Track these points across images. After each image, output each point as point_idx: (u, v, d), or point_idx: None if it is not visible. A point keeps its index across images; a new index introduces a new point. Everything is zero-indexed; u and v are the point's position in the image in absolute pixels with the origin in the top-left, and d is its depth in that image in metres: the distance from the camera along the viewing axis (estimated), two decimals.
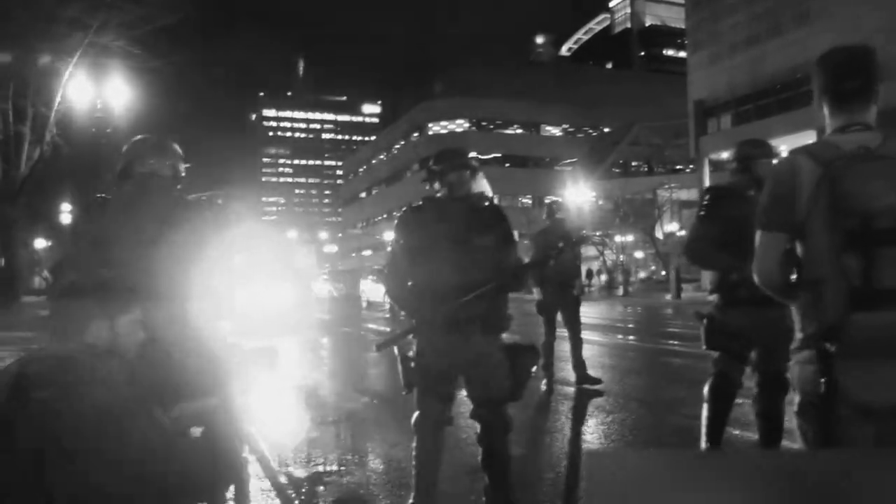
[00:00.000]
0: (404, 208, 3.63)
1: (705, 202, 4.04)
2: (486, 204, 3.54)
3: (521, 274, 3.47)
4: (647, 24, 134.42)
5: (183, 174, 3.07)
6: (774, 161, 3.94)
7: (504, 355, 3.41)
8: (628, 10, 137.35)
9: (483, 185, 3.56)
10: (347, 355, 13.01)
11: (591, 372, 7.99)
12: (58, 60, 17.51)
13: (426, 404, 3.41)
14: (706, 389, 4.15)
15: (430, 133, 63.06)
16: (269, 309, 17.35)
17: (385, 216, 67.90)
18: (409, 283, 3.42)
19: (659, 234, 40.60)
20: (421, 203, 3.54)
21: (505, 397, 3.41)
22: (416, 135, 66.85)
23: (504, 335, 3.48)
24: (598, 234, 38.37)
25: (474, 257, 3.25)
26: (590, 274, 38.57)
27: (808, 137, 27.51)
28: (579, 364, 7.73)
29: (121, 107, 18.30)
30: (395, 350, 3.47)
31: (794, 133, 27.87)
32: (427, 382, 3.40)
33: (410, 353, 3.43)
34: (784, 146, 29.65)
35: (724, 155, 33.51)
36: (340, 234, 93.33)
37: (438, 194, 3.49)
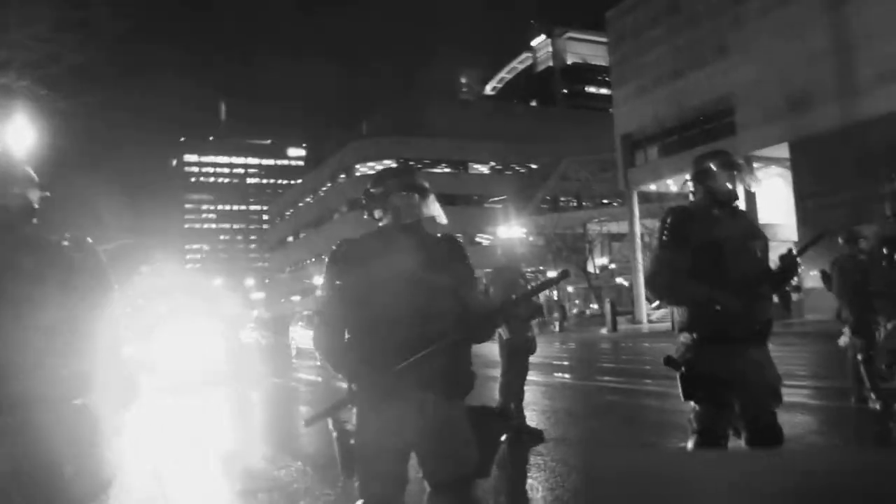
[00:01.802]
0: (339, 241, 2.88)
1: (667, 226, 3.42)
2: (441, 234, 2.90)
3: (490, 320, 2.81)
4: (568, 63, 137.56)
5: (36, 205, 2.37)
6: (735, 172, 3.46)
7: (468, 423, 2.74)
8: (550, 49, 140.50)
9: (435, 210, 2.92)
10: (277, 411, 12.17)
11: (530, 417, 7.54)
12: None
13: (371, 492, 2.68)
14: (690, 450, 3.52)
15: (358, 174, 62.48)
16: (195, 360, 16.49)
17: (313, 260, 66.78)
18: (346, 336, 2.74)
19: (591, 268, 40.85)
20: (360, 236, 2.88)
21: (470, 475, 2.73)
22: (343, 176, 66.23)
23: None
24: (530, 269, 38.31)
25: (429, 300, 2.64)
26: (559, 308, 38.35)
27: None
28: (519, 413, 7.24)
29: (24, 149, 17.12)
30: (329, 424, 2.76)
31: None
32: (372, 465, 2.67)
33: (349, 427, 2.73)
34: None
35: (653, 187, 34.04)
36: (268, 280, 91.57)
37: (381, 223, 2.85)
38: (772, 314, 3.42)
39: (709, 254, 3.28)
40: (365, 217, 2.94)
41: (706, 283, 3.24)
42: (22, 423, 2.03)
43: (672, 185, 33.19)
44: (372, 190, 2.89)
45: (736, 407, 3.35)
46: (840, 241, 7.62)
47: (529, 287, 7.16)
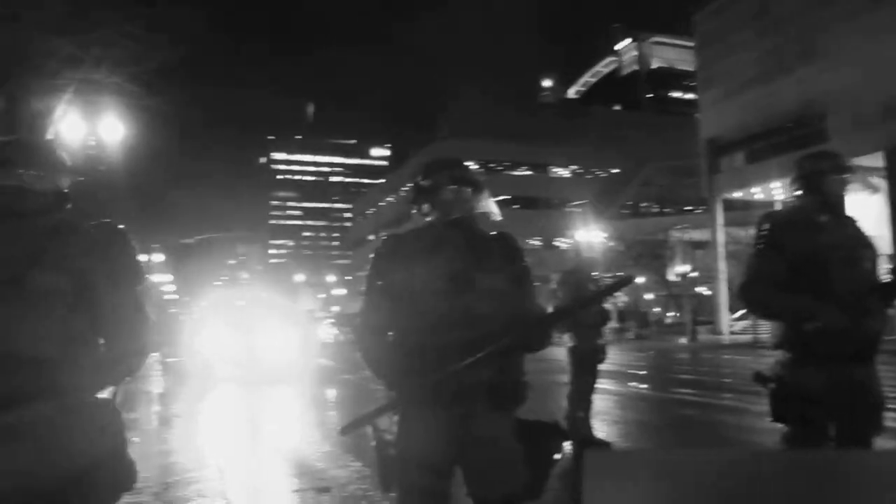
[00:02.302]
0: (384, 237, 2.74)
1: (764, 232, 3.15)
2: (495, 232, 2.68)
3: (544, 326, 2.60)
4: (654, 67, 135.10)
5: (66, 191, 2.26)
6: (847, 175, 3.19)
7: (519, 438, 2.53)
8: (635, 53, 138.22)
9: (489, 206, 2.72)
10: (345, 409, 12.20)
11: (599, 428, 7.28)
12: (50, 98, 17.03)
13: None
14: None
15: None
16: (269, 354, 16.77)
17: None
18: (390, 339, 2.55)
19: (671, 276, 39.87)
20: (407, 231, 2.69)
21: (519, 495, 2.49)
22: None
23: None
24: (608, 275, 37.68)
25: (479, 303, 2.43)
26: (622, 317, 37.53)
27: None
28: (586, 423, 6.99)
29: (115, 144, 17.77)
30: (370, 433, 2.61)
31: None
32: (412, 479, 2.47)
33: (389, 437, 2.56)
34: None
35: (737, 194, 32.91)
36: (349, 277, 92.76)
37: (429, 218, 2.66)
38: (882, 330, 3.13)
39: (812, 264, 3.02)
40: (413, 212, 2.77)
41: (807, 296, 2.98)
42: (32, 423, 1.88)
43: (758, 192, 32.00)
44: (421, 182, 2.71)
45: (830, 432, 3.06)
46: None
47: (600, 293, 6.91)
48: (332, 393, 14.37)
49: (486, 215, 2.71)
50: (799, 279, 2.99)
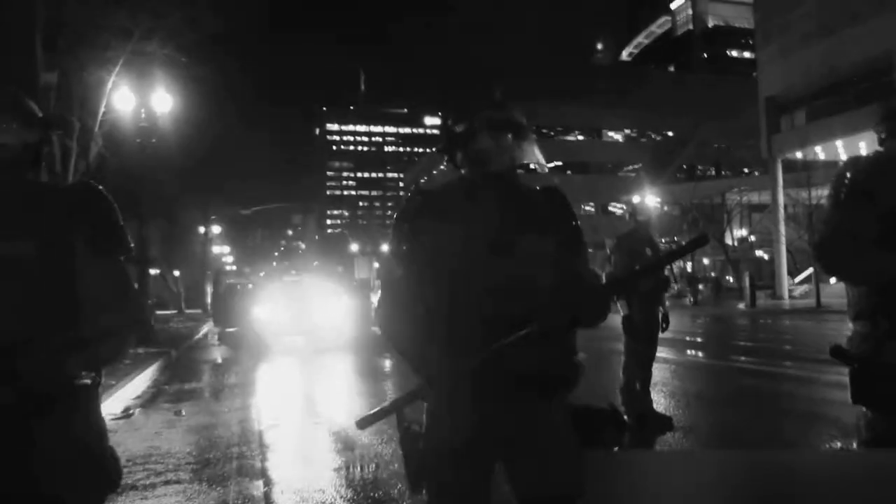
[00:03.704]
0: (412, 191, 2.33)
1: (846, 181, 2.63)
2: (541, 186, 2.27)
3: (601, 297, 2.15)
4: (709, 25, 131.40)
5: (36, 146, 2.02)
6: None
7: (572, 428, 2.16)
8: (690, 12, 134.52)
9: (534, 155, 2.28)
10: (397, 381, 12.14)
11: (657, 401, 6.97)
12: (102, 70, 17.21)
13: None
14: None
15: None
16: (324, 324, 16.90)
17: None
18: (416, 314, 2.16)
19: (728, 240, 38.93)
20: (439, 186, 2.29)
21: (573, 493, 2.11)
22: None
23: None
24: (664, 240, 36.96)
25: (524, 270, 2.07)
26: (692, 280, 36.67)
27: None
28: (645, 396, 6.67)
29: (166, 116, 17.93)
30: (395, 424, 2.23)
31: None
32: (445, 478, 2.12)
33: (416, 429, 2.19)
34: (865, 142, 27.91)
35: (799, 154, 31.77)
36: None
37: (464, 170, 2.25)
38: None
39: None
40: (445, 164, 2.39)
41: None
42: None
43: (820, 151, 30.78)
44: (454, 127, 2.26)
45: None
46: None
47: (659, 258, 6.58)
48: (386, 363, 14.35)
49: (532, 166, 2.30)
50: (888, 236, 2.49)
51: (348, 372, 12.90)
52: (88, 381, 1.90)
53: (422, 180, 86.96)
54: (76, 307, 1.88)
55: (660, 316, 6.60)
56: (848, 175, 2.62)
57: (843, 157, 30.91)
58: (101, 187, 2.01)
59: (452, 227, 2.11)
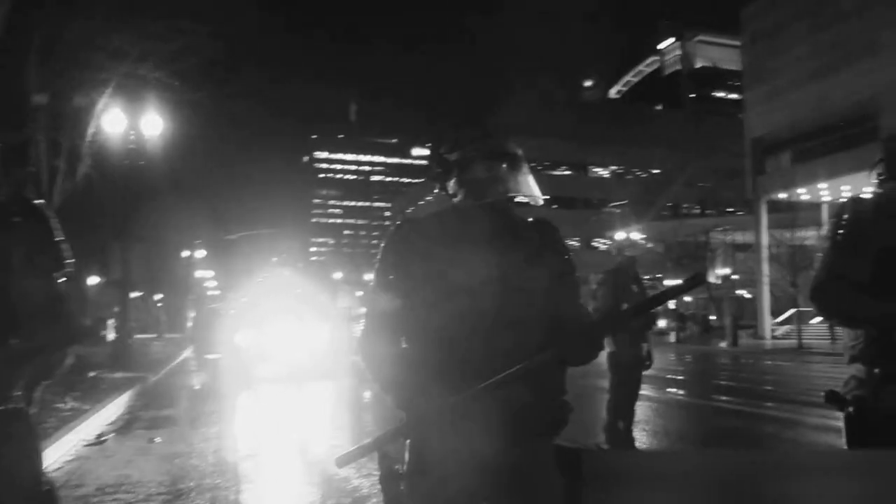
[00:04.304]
0: (400, 220, 2.25)
1: (844, 222, 2.60)
2: (534, 219, 2.21)
3: (594, 334, 2.04)
4: (697, 66, 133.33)
5: None
6: None
7: (560, 469, 2.08)
8: (678, 53, 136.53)
9: (528, 187, 2.16)
10: (377, 412, 11.98)
11: (640, 439, 6.91)
12: (94, 91, 17.16)
13: None
14: None
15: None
16: (305, 352, 16.72)
17: None
18: (402, 348, 2.11)
19: (712, 278, 39.09)
20: (428, 215, 2.21)
21: None
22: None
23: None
24: (647, 277, 37.11)
25: (514, 305, 2.00)
26: (681, 318, 36.64)
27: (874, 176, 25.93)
28: (628, 435, 6.61)
29: (156, 139, 17.88)
30: (377, 461, 2.30)
31: (861, 171, 26.35)
32: None
33: (398, 468, 2.17)
34: (849, 185, 28.23)
35: (783, 195, 32.08)
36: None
37: (455, 199, 2.17)
38: None
39: None
40: (435, 191, 2.28)
41: (894, 299, 2.46)
42: None
43: (804, 193, 31.13)
44: (446, 155, 2.18)
45: None
46: None
47: (646, 294, 6.57)
48: (367, 393, 14.19)
49: (527, 198, 2.16)
50: (885, 280, 2.48)
51: (328, 402, 12.72)
52: (19, 405, 1.80)
53: (408, 210, 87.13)
54: (9, 323, 1.79)
55: (644, 353, 6.56)
56: (845, 217, 2.59)
57: (827, 199, 31.35)
58: (38, 202, 1.95)
59: (442, 258, 2.04)
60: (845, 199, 2.74)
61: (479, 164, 2.10)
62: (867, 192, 2.89)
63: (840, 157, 27.25)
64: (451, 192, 2.16)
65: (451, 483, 1.99)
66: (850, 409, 2.55)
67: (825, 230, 2.71)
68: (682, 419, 10.12)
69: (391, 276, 2.10)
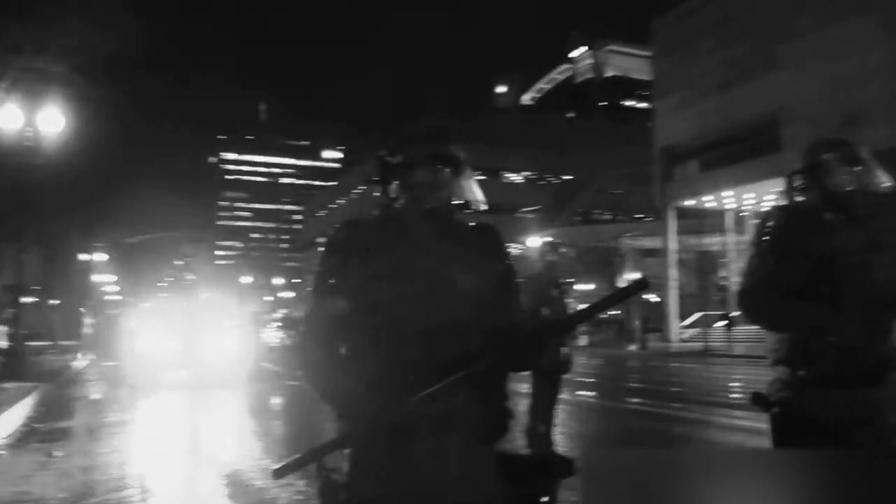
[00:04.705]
0: (340, 223, 2.19)
1: (768, 230, 2.72)
2: (477, 224, 2.19)
3: (537, 340, 2.01)
4: (608, 75, 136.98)
5: None
6: (858, 168, 2.75)
7: (503, 477, 2.06)
8: (590, 61, 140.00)
9: (472, 192, 2.17)
10: (288, 418, 11.67)
11: (557, 442, 6.90)
12: None
13: None
14: None
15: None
16: (212, 358, 16.25)
17: None
18: (341, 355, 2.05)
19: (621, 283, 40.11)
20: (369, 218, 2.17)
21: None
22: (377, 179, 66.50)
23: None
24: (562, 281, 37.75)
25: (457, 311, 1.99)
26: (597, 322, 37.18)
27: (777, 185, 27.21)
28: (548, 440, 6.58)
29: (55, 136, 16.93)
30: (315, 472, 2.06)
31: (763, 180, 27.61)
32: None
33: (338, 479, 2.04)
34: (752, 193, 29.43)
35: (690, 202, 33.22)
36: (297, 280, 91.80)
37: (398, 203, 2.13)
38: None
39: (818, 268, 2.60)
40: (377, 195, 2.20)
41: (821, 306, 2.57)
42: None
43: (710, 200, 32.36)
44: (389, 159, 2.16)
45: None
46: None
47: (565, 299, 6.56)
48: (276, 400, 13.81)
49: (470, 203, 2.15)
50: (808, 286, 2.58)
51: (238, 409, 12.33)
52: None
53: (319, 213, 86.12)
54: None
55: (564, 357, 6.55)
56: (771, 224, 2.70)
57: (731, 206, 32.67)
58: None
59: (383, 262, 2.01)
60: (770, 208, 2.86)
61: (423, 169, 2.09)
62: (784, 200, 2.94)
63: (743, 167, 28.49)
64: (392, 195, 2.13)
65: (391, 492, 1.95)
66: (776, 410, 2.64)
67: (751, 238, 2.80)
68: (596, 422, 10.24)
69: (331, 281, 2.06)
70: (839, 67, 24.27)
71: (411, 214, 2.09)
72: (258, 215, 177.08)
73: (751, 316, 2.74)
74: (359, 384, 1.96)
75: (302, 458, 1.95)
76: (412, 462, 1.94)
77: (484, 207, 2.18)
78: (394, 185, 2.12)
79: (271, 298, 78.43)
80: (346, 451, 2.00)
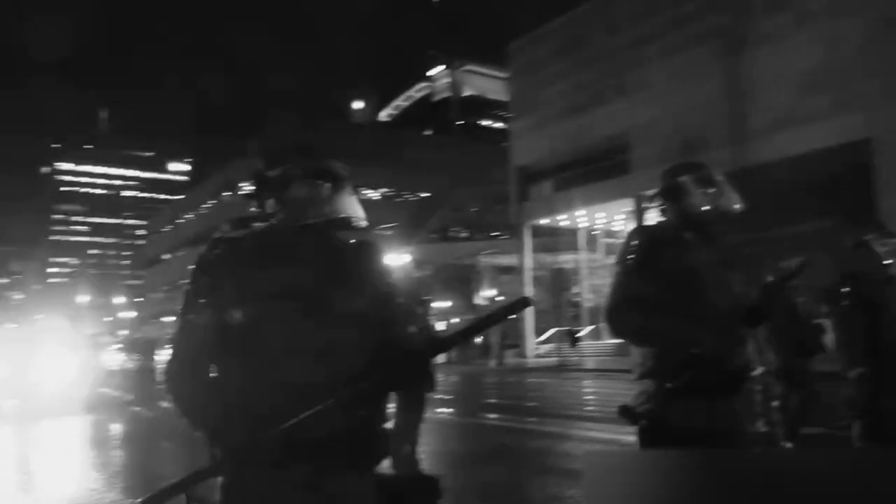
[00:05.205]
0: (212, 240, 2.12)
1: (633, 248, 2.86)
2: (357, 240, 2.11)
3: (419, 360, 1.97)
4: (466, 94, 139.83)
5: None
6: (712, 190, 2.93)
7: (383, 500, 2.02)
8: (448, 80, 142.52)
9: (352, 208, 2.12)
10: (132, 448, 10.82)
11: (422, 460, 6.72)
12: None
13: None
14: None
15: (244, 192, 60.92)
16: (47, 384, 15.08)
17: None
18: (213, 378, 1.96)
19: (478, 300, 40.78)
20: (243, 234, 2.06)
21: None
22: (227, 193, 64.50)
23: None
24: (422, 299, 37.93)
25: (335, 330, 1.92)
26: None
27: (627, 205, 28.64)
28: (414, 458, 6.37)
29: None
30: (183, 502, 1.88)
31: (614, 200, 28.91)
32: None
33: None
34: (603, 213, 30.76)
35: (545, 221, 34.27)
36: (140, 299, 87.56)
37: (275, 219, 2.05)
38: (750, 358, 3.07)
39: (679, 285, 2.76)
40: (252, 209, 2.10)
41: (684, 320, 2.72)
42: None
43: (564, 219, 33.55)
44: (266, 173, 2.07)
45: None
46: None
47: (428, 317, 6.38)
48: (118, 428, 12.85)
49: (350, 219, 2.09)
50: (670, 301, 2.74)
51: (76, 440, 11.33)
52: None
53: (164, 229, 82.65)
54: None
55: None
56: (635, 243, 2.87)
57: (584, 225, 34.02)
58: None
59: (258, 280, 1.93)
60: (633, 228, 3.04)
61: (301, 184, 2.05)
62: (650, 220, 3.17)
63: (595, 187, 29.68)
64: (269, 211, 2.07)
65: None
66: (643, 422, 2.78)
67: (616, 257, 2.93)
68: (458, 438, 10.20)
69: (202, 300, 1.98)
70: (683, 94, 25.70)
71: (289, 230, 2.04)
72: (97, 230, 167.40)
73: (618, 331, 2.86)
74: (231, 409, 1.87)
75: (170, 488, 1.77)
76: (287, 490, 1.86)
77: (364, 224, 2.14)
78: (271, 201, 2.06)
79: (111, 319, 74.32)
80: (218, 479, 1.90)
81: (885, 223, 4.44)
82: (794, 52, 22.11)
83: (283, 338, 1.88)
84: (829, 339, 4.80)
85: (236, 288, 1.93)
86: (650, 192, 3.14)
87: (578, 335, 30.09)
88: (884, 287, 4.06)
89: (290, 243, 2.01)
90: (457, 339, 2.35)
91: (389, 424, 2.09)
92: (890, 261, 4.10)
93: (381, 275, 2.08)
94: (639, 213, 26.36)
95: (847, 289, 4.12)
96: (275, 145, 2.20)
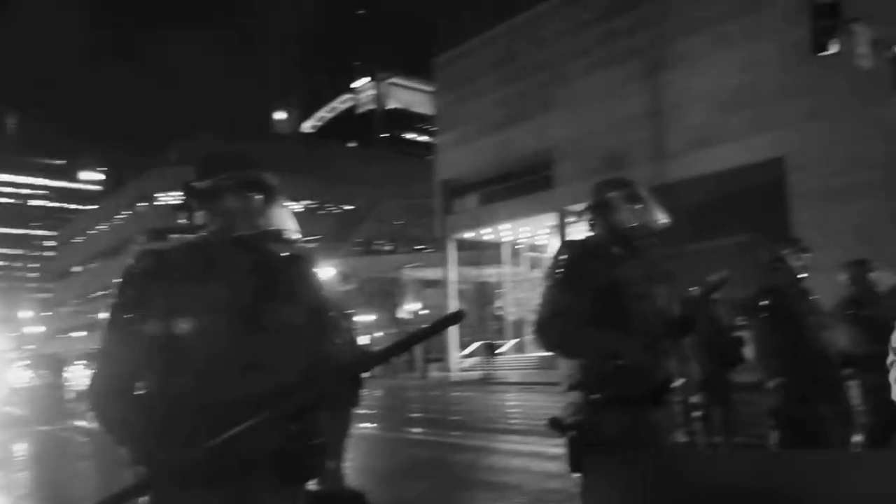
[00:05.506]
0: (140, 253, 2.05)
1: (562, 263, 2.90)
2: (290, 253, 2.09)
3: (350, 375, 1.98)
4: (390, 107, 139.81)
5: None
6: (639, 206, 3.00)
7: None
8: (372, 93, 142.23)
9: (284, 220, 2.12)
10: (39, 470, 10.27)
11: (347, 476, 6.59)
12: None
13: None
14: None
15: (160, 203, 59.49)
16: None
17: (104, 292, 62.21)
18: (140, 394, 1.92)
19: (402, 314, 40.67)
20: (173, 247, 2.04)
21: None
22: (143, 204, 62.86)
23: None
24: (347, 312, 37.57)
25: (266, 345, 1.92)
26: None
27: (550, 219, 29.02)
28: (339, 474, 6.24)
29: None
30: None
31: (538, 214, 29.22)
32: None
33: None
34: (527, 227, 31.02)
35: (469, 234, 34.42)
36: (48, 313, 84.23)
37: (205, 231, 2.05)
38: (673, 370, 3.07)
39: (608, 299, 2.82)
40: (182, 221, 2.07)
41: (612, 332, 2.77)
42: None
43: (488, 233, 33.75)
44: (196, 184, 2.06)
45: None
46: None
47: (353, 331, 6.27)
48: (22, 448, 12.21)
49: (281, 232, 2.10)
50: (599, 314, 2.79)
51: None
52: None
53: (76, 240, 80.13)
54: None
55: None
56: (563, 258, 2.91)
57: (507, 239, 34.29)
58: None
59: (187, 294, 1.91)
60: (563, 243, 3.08)
61: (232, 195, 2.04)
62: (580, 235, 3.21)
63: (519, 202, 29.97)
64: (199, 223, 2.06)
65: None
66: (572, 433, 2.81)
67: (546, 271, 2.97)
68: (381, 454, 10.06)
69: (128, 315, 1.94)
70: (606, 111, 26.19)
71: (220, 243, 2.02)
72: (2, 240, 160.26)
73: (548, 344, 2.88)
74: (157, 426, 1.85)
75: None
76: None
77: (297, 236, 2.14)
78: (201, 213, 2.05)
79: (17, 334, 71.12)
80: (143, 499, 1.86)
81: (799, 238, 4.58)
82: (711, 74, 22.86)
83: (214, 352, 1.86)
84: (748, 350, 4.93)
85: (166, 301, 1.90)
86: (579, 207, 3.21)
87: (498, 350, 30.28)
88: (799, 300, 4.20)
89: (221, 256, 1.98)
90: (391, 353, 2.31)
91: (321, 440, 2.03)
92: (804, 275, 4.25)
93: (314, 288, 2.07)
94: (562, 227, 26.73)
95: (766, 302, 4.22)
96: (206, 156, 2.16)
